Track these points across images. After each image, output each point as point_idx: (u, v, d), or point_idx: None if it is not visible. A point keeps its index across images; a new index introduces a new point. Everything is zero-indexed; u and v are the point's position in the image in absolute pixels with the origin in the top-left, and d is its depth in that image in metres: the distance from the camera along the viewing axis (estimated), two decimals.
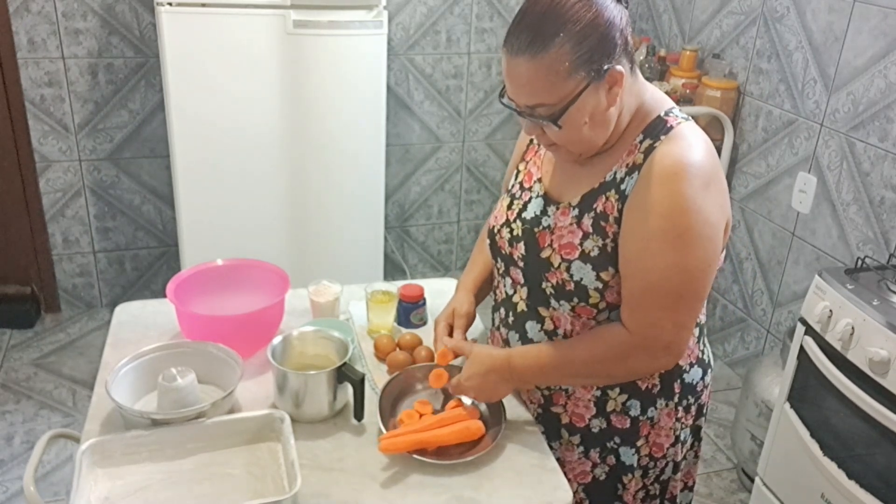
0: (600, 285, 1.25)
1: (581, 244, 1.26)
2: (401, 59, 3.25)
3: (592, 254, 1.25)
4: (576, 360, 1.28)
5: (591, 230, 1.25)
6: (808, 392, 1.96)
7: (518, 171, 1.44)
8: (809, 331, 1.93)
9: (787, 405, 2.02)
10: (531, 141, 1.44)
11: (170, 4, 2.46)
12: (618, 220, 1.23)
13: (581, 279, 1.26)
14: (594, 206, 1.25)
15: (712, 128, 2.82)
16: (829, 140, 2.48)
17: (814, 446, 1.91)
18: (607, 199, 1.24)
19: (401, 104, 3.33)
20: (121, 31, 2.90)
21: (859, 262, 1.94)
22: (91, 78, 2.94)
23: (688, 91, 2.86)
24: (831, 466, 1.85)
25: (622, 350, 1.24)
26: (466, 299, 1.51)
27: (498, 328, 1.48)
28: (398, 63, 3.25)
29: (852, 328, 1.77)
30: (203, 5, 2.49)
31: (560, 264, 1.28)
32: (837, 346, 1.82)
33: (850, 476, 1.80)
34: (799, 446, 1.96)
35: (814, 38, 2.50)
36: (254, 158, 2.71)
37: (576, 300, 1.28)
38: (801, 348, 1.96)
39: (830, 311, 1.85)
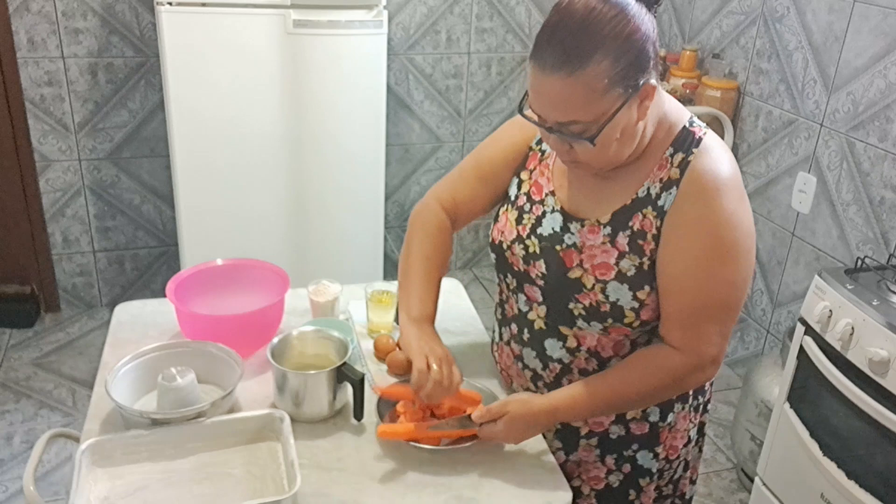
0: (636, 305, 1.23)
1: (617, 264, 1.23)
2: (401, 58, 3.25)
3: (629, 273, 1.22)
4: (629, 393, 1.25)
5: (627, 249, 1.22)
6: (807, 392, 1.96)
7: (522, 181, 1.38)
8: (809, 331, 1.93)
9: (787, 405, 2.02)
10: (530, 148, 1.39)
11: (170, 4, 2.46)
12: (656, 238, 1.20)
13: (617, 300, 1.23)
14: (630, 224, 1.22)
15: (712, 128, 2.81)
16: (829, 140, 2.48)
17: (813, 446, 1.91)
18: (644, 216, 1.21)
19: (401, 104, 3.33)
20: (121, 30, 2.90)
21: (859, 262, 1.94)
22: (91, 77, 2.94)
23: (688, 91, 2.86)
24: (831, 466, 1.85)
25: (678, 373, 1.23)
26: (439, 341, 1.34)
27: (508, 343, 1.43)
28: (398, 63, 3.25)
29: (852, 328, 1.77)
30: (203, 5, 2.49)
31: (594, 285, 1.24)
32: (837, 346, 1.82)
33: (849, 476, 1.80)
34: (799, 446, 1.96)
35: (814, 38, 2.50)
36: (254, 158, 2.71)
37: (610, 321, 1.25)
38: (801, 348, 1.96)
39: (830, 311, 1.85)
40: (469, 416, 1.28)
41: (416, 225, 1.44)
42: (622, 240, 1.23)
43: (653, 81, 1.14)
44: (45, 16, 2.81)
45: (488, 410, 1.26)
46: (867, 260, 1.96)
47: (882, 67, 2.27)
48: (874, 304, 1.76)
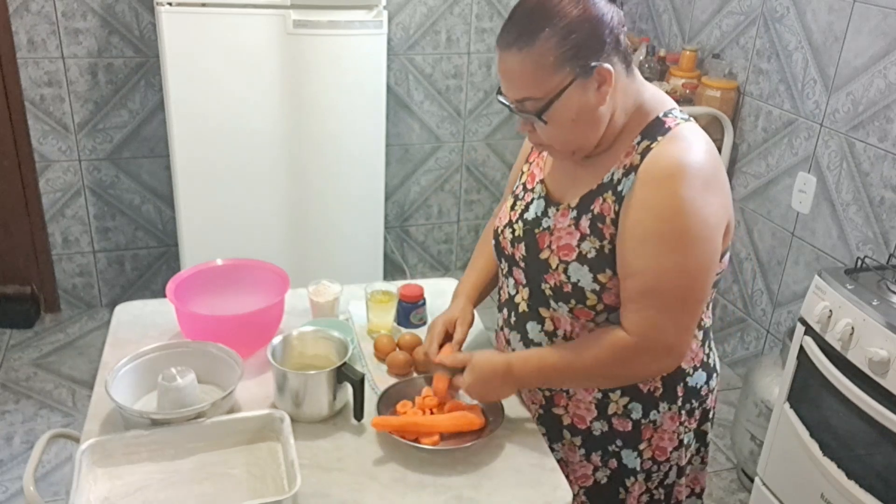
0: (597, 287, 1.25)
1: (578, 246, 1.26)
2: (401, 59, 3.25)
3: (589, 255, 1.25)
4: (576, 365, 1.27)
5: (588, 232, 1.25)
6: (807, 392, 1.96)
7: (522, 173, 1.45)
8: (809, 331, 1.93)
9: (787, 405, 2.02)
10: None
11: (170, 4, 2.46)
12: (615, 222, 1.22)
13: (578, 281, 1.26)
14: (591, 207, 1.26)
15: (712, 128, 2.82)
16: (829, 140, 2.48)
17: (813, 446, 1.91)
18: (604, 200, 1.24)
19: (401, 104, 3.33)
20: (121, 30, 2.90)
21: (859, 262, 1.94)
22: (91, 78, 2.94)
23: (688, 91, 2.86)
24: (831, 466, 1.85)
25: (624, 354, 1.23)
26: (467, 309, 1.51)
27: (501, 328, 1.48)
28: (398, 63, 3.25)
29: (852, 328, 1.77)
30: (203, 5, 2.49)
31: (558, 266, 1.28)
32: (837, 346, 1.82)
33: (849, 476, 1.80)
34: (799, 446, 1.96)
35: (814, 38, 2.50)
36: (254, 158, 2.71)
37: (573, 302, 1.28)
38: (801, 348, 1.96)
39: (830, 311, 1.85)
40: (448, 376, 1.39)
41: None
42: (584, 223, 1.26)
43: (608, 66, 1.17)
44: (45, 16, 2.81)
45: (454, 360, 1.39)
46: (867, 260, 1.96)
47: (882, 67, 2.27)
48: (874, 304, 1.76)
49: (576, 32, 1.15)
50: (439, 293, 1.71)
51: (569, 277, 1.27)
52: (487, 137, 3.51)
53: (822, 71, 2.48)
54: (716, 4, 2.94)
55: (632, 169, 1.21)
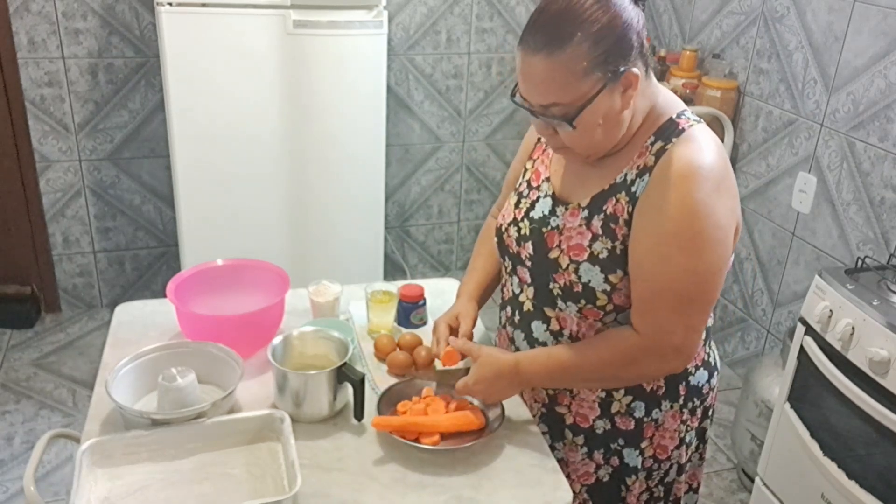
0: (608, 287, 1.25)
1: (590, 246, 1.25)
2: (401, 59, 3.25)
3: (601, 256, 1.24)
4: (585, 364, 1.27)
5: (600, 232, 1.25)
6: (808, 392, 1.96)
7: (526, 170, 1.44)
8: (809, 331, 1.93)
9: (787, 405, 2.02)
10: (539, 139, 1.44)
11: (170, 4, 2.46)
12: (628, 223, 1.22)
13: (589, 281, 1.26)
14: (604, 207, 1.25)
15: (713, 128, 2.81)
16: (829, 140, 2.48)
17: (814, 446, 1.91)
18: (617, 200, 1.24)
19: (401, 104, 3.33)
20: (121, 31, 2.91)
21: (859, 262, 1.94)
22: (91, 78, 2.94)
23: (688, 91, 2.86)
24: (831, 466, 1.85)
25: (632, 354, 1.24)
26: (469, 305, 1.51)
27: (504, 326, 1.48)
28: (398, 63, 3.25)
29: (852, 328, 1.77)
30: (203, 5, 2.49)
31: (568, 265, 1.27)
32: (837, 346, 1.82)
33: (850, 476, 1.80)
34: (799, 446, 1.96)
35: (814, 38, 2.50)
36: (254, 158, 2.71)
37: (583, 302, 1.28)
38: (801, 348, 1.96)
39: (830, 311, 1.85)
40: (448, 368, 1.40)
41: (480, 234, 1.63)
42: (596, 223, 1.25)
43: (635, 71, 1.16)
44: (45, 16, 2.81)
45: (465, 346, 1.38)
46: (867, 260, 1.96)
47: (882, 67, 2.27)
48: (874, 304, 1.76)
49: (606, 38, 1.13)
50: (439, 293, 1.72)
51: (579, 277, 1.26)
52: (488, 137, 3.51)
53: (823, 71, 2.48)
54: (716, 4, 2.94)
55: (646, 170, 1.21)
